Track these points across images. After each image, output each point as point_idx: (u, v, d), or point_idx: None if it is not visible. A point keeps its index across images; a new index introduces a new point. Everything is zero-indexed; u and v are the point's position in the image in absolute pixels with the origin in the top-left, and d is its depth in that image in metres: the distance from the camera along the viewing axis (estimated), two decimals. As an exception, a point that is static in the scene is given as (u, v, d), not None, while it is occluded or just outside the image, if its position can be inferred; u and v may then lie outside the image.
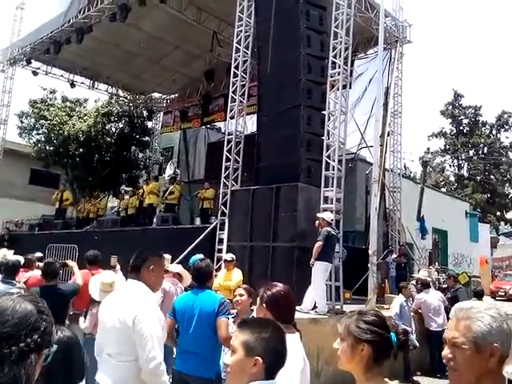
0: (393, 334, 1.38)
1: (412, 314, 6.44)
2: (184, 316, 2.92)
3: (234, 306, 3.18)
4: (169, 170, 11.53)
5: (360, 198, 11.13)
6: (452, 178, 32.09)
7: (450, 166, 32.28)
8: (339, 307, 6.11)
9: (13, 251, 6.03)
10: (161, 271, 2.28)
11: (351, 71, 10.00)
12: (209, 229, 7.99)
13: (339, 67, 7.10)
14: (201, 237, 7.81)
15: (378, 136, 7.39)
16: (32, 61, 13.61)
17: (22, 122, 15.95)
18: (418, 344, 6.08)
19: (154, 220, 10.45)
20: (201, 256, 4.91)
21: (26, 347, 0.81)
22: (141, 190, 11.32)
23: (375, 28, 9.69)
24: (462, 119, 31.70)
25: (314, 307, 5.56)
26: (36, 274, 4.61)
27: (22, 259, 4.85)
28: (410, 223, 11.07)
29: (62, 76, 14.91)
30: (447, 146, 31.69)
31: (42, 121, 15.34)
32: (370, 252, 6.02)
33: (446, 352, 1.17)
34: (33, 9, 32.88)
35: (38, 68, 14.16)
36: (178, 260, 6.99)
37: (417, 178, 22.68)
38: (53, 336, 0.89)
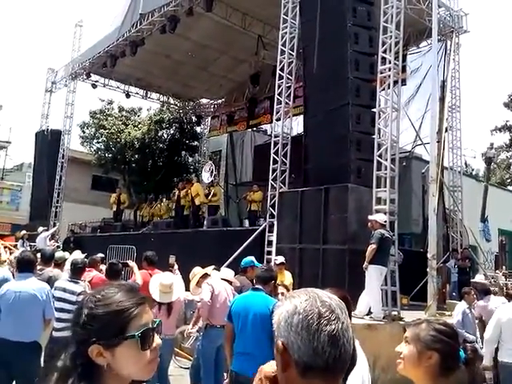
0: (461, 351, 1.34)
1: (477, 321, 5.96)
2: (240, 318, 2.97)
3: None
4: (205, 174, 11.75)
5: (416, 198, 10.53)
6: (519, 175, 29.34)
7: (517, 161, 29.52)
8: (396, 313, 5.82)
9: (85, 254, 6.48)
10: None
11: (404, 67, 9.55)
12: (258, 231, 8.03)
13: (389, 63, 6.80)
14: (250, 239, 7.87)
15: (435, 132, 6.95)
16: (91, 74, 14.65)
17: (83, 132, 17.25)
18: (483, 354, 5.61)
19: (205, 222, 10.73)
20: (252, 258, 4.96)
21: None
22: (178, 192, 11.73)
23: (428, 19, 9.16)
24: (529, 110, 28.86)
25: (369, 312, 5.35)
26: (100, 273, 4.92)
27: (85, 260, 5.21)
28: (473, 224, 10.27)
29: (118, 87, 15.89)
30: (513, 140, 29.02)
31: (101, 130, 16.48)
32: (428, 255, 5.66)
33: None
34: (90, 26, 35.54)
35: (97, 81, 15.21)
36: (228, 261, 7.12)
37: (480, 176, 21.09)
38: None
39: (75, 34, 15.47)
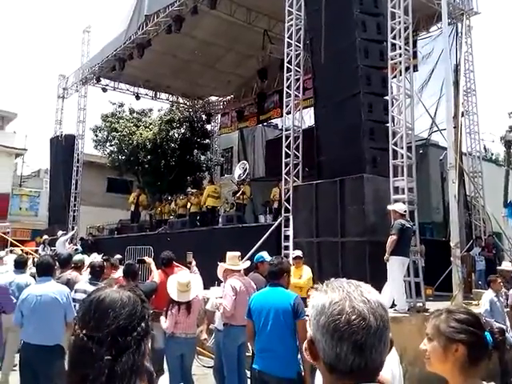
0: (488, 334, 1.26)
1: (507, 309, 5.77)
2: (260, 315, 2.92)
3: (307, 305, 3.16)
4: (238, 171, 11.56)
5: (435, 186, 10.28)
6: (540, 157, 28.38)
7: (537, 143, 28.56)
8: (421, 304, 5.69)
9: (102, 254, 6.56)
10: None
11: (415, 52, 9.29)
12: (273, 226, 7.96)
13: (400, 49, 6.62)
14: (266, 235, 7.82)
15: (451, 117, 6.72)
16: (101, 79, 14.79)
17: (96, 136, 17.44)
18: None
19: (220, 220, 10.71)
20: (262, 253, 4.88)
21: (139, 336, 0.83)
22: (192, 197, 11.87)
23: (437, 3, 8.87)
24: (547, 90, 27.82)
25: (393, 305, 5.24)
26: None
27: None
28: (496, 210, 9.98)
29: (127, 90, 16.00)
30: (531, 122, 28.05)
31: (113, 133, 16.63)
32: (451, 244, 5.49)
33: None
34: (98, 31, 35.88)
35: (107, 85, 15.35)
36: (245, 259, 7.07)
37: (500, 160, 20.47)
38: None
39: (83, 40, 15.64)
